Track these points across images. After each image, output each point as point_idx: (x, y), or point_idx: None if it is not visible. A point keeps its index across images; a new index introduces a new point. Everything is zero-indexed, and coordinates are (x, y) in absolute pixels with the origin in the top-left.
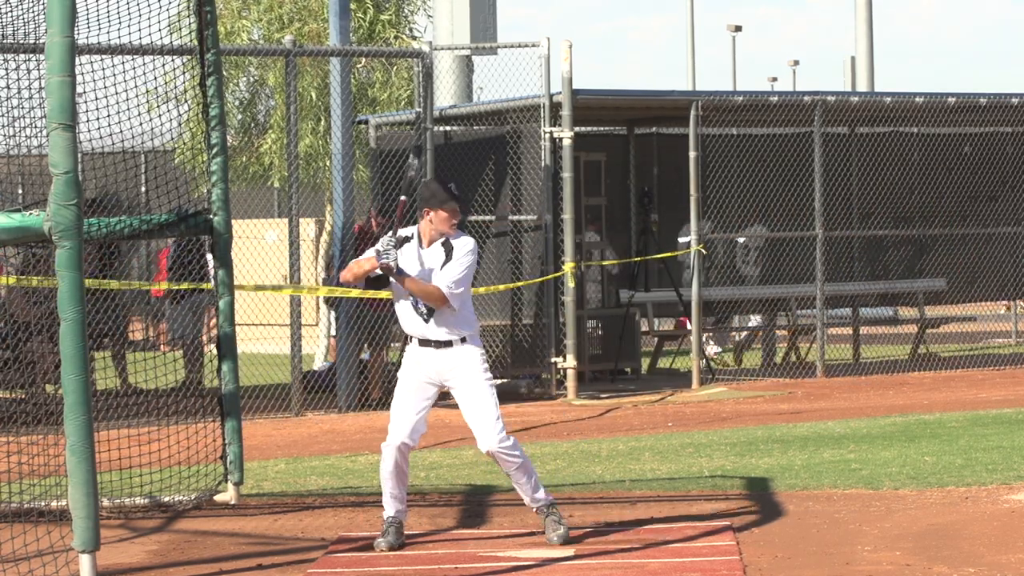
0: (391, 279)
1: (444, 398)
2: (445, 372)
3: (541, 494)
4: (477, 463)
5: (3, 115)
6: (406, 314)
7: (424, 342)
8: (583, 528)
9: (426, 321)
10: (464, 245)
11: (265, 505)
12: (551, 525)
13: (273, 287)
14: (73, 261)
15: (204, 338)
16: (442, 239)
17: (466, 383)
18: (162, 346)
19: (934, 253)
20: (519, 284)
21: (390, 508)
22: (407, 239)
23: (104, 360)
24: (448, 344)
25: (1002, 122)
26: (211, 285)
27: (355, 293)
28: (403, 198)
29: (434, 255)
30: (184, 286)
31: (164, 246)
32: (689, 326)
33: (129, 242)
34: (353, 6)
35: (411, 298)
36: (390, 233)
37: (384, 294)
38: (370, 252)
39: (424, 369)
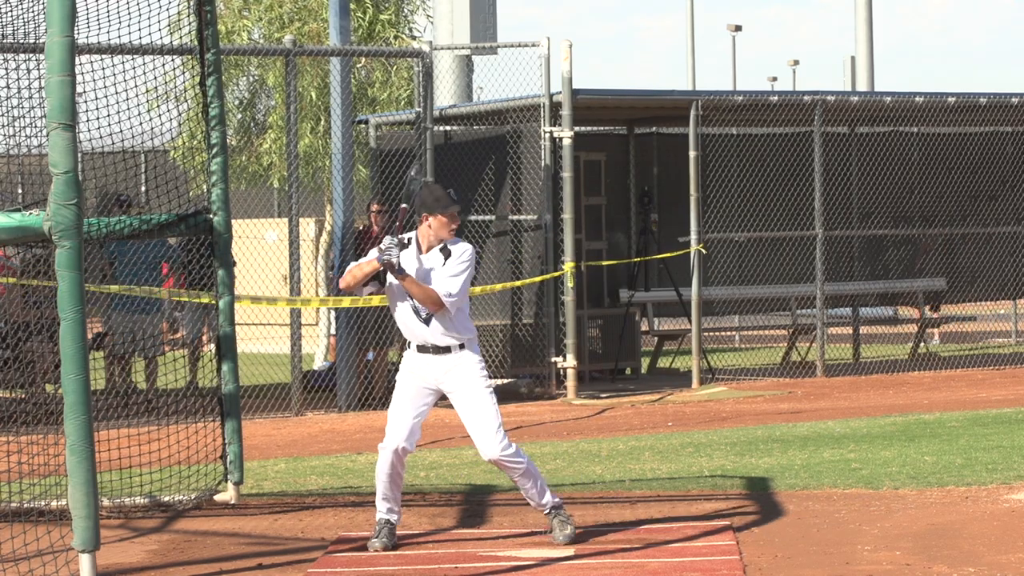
0: (389, 279)
1: (443, 398)
2: (442, 377)
3: (548, 498)
4: (477, 463)
5: (3, 115)
6: (405, 318)
7: (422, 348)
8: (583, 528)
9: (427, 325)
10: (462, 252)
11: (265, 505)
12: (558, 525)
13: (268, 299)
14: (73, 261)
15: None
16: (440, 244)
17: (465, 390)
18: (164, 346)
19: (934, 253)
20: (517, 283)
21: (383, 510)
22: (406, 243)
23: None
24: (447, 350)
25: (1002, 122)
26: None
27: (347, 302)
28: (404, 206)
29: (432, 260)
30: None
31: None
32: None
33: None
34: (353, 6)
35: (410, 300)
36: (392, 234)
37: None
38: (371, 255)
39: (422, 375)
